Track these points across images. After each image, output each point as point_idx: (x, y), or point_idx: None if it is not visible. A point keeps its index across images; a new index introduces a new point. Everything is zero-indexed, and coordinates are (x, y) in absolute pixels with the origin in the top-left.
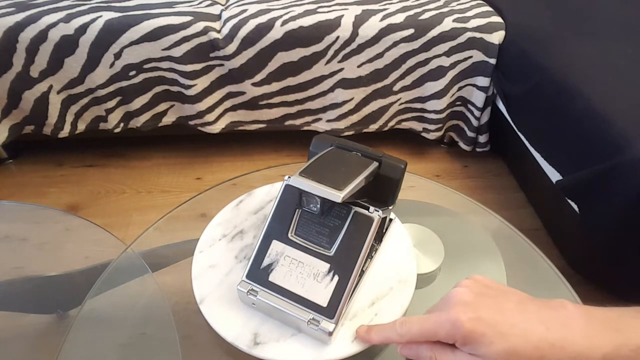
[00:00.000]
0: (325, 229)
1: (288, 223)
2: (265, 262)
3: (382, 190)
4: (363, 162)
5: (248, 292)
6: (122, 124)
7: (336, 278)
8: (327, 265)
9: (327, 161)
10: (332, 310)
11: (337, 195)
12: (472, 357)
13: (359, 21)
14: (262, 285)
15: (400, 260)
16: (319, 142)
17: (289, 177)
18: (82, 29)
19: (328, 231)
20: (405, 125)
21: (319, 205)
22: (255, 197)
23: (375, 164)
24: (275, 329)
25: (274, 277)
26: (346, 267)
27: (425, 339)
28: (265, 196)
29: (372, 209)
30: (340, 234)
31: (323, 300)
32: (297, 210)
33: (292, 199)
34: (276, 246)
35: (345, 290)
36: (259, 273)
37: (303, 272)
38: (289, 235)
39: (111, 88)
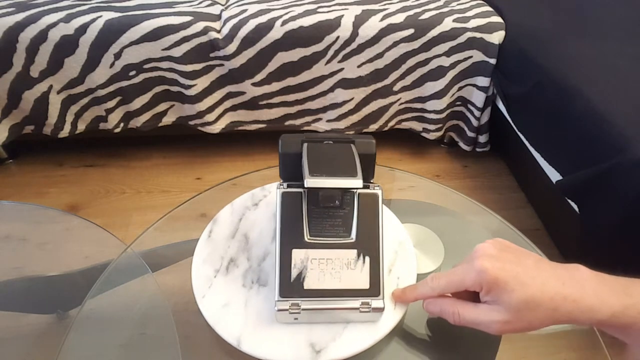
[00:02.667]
0: (337, 220)
1: (300, 228)
2: (293, 273)
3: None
4: (345, 147)
5: (290, 308)
6: (122, 124)
7: (367, 259)
8: (354, 251)
9: (317, 157)
10: (375, 288)
11: (358, 182)
12: (493, 307)
13: (359, 21)
14: (301, 296)
15: (387, 223)
16: (287, 141)
17: (283, 184)
18: (82, 29)
19: (341, 220)
20: (405, 125)
21: (341, 198)
22: (222, 222)
23: (353, 146)
24: (326, 331)
25: (308, 284)
26: (372, 246)
27: (454, 289)
28: (231, 217)
29: (371, 186)
30: (354, 219)
31: (364, 283)
32: (303, 212)
33: (293, 203)
34: (298, 254)
35: (379, 266)
36: (291, 286)
37: (335, 267)
38: (306, 239)
39: (111, 88)
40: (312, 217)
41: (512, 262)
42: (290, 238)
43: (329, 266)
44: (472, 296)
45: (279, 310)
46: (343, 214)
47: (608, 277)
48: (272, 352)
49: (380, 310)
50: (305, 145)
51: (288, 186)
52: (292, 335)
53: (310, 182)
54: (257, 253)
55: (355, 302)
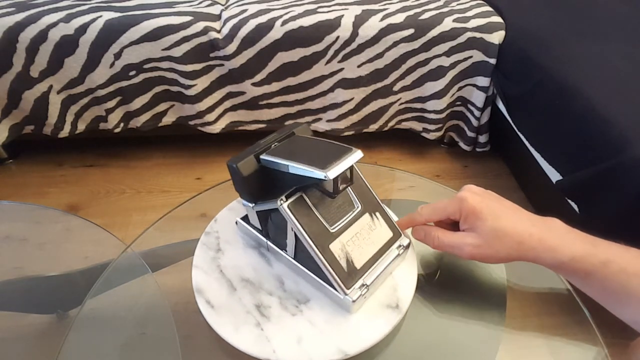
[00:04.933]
0: (340, 199)
1: (321, 225)
2: (343, 263)
3: None
4: (298, 138)
5: (361, 291)
6: (122, 124)
7: (378, 214)
8: (367, 215)
9: (301, 154)
10: (396, 231)
11: (359, 152)
12: (468, 233)
13: (359, 21)
14: (362, 277)
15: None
16: (244, 164)
17: (282, 200)
18: (82, 29)
19: (341, 198)
20: (405, 125)
21: (350, 175)
22: (208, 286)
23: (298, 134)
24: (385, 291)
25: (359, 263)
26: (373, 203)
27: (439, 216)
28: (210, 276)
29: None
30: (350, 190)
31: (388, 234)
32: (314, 211)
33: (302, 209)
34: (335, 247)
35: (388, 214)
36: (348, 275)
37: (364, 236)
38: (331, 231)
39: (111, 88)
40: (322, 210)
41: (492, 200)
42: (321, 238)
43: (360, 238)
44: (453, 229)
45: (355, 300)
46: (341, 192)
47: (580, 232)
48: (373, 336)
49: (409, 244)
50: (267, 155)
51: (287, 197)
52: (369, 312)
53: (332, 172)
54: (272, 284)
55: (394, 251)
